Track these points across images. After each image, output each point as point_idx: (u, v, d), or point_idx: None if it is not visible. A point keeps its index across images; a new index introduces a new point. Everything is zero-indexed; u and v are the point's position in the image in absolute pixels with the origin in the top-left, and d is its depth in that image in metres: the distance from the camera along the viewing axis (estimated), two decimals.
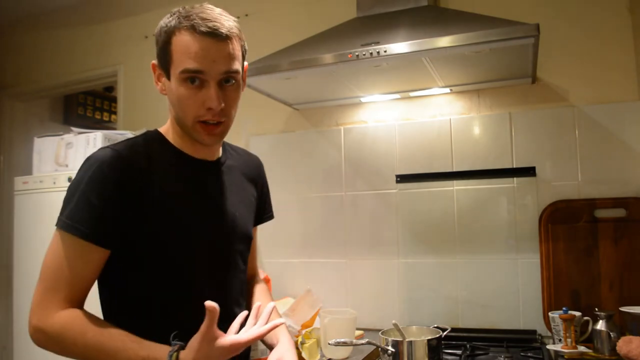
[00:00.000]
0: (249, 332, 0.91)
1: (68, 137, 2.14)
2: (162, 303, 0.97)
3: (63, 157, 2.13)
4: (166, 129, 1.05)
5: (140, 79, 2.65)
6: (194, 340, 0.86)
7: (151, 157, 0.98)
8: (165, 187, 0.97)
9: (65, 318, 0.88)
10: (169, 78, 0.97)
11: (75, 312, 0.90)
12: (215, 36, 0.92)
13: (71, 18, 2.85)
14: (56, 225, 0.92)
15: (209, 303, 0.83)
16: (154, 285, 0.97)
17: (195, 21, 0.91)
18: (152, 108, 2.58)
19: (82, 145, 2.09)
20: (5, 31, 3.05)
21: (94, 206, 0.90)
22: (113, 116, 3.83)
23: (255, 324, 0.94)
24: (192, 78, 0.93)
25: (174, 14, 0.95)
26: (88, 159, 0.96)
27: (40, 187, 2.10)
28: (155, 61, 0.99)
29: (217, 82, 0.94)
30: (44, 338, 0.89)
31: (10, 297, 2.16)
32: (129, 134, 2.22)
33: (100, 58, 2.76)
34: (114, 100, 3.71)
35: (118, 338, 0.88)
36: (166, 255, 0.97)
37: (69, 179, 2.04)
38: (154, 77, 1.00)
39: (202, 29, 0.91)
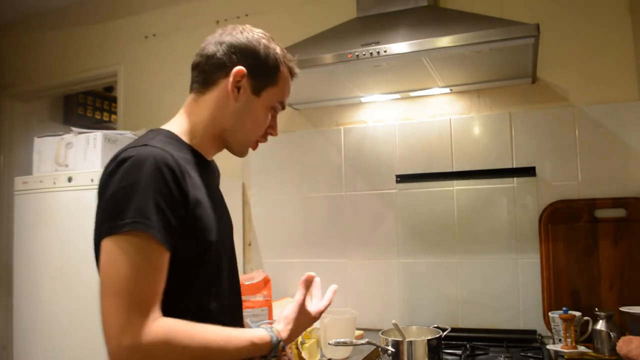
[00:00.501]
0: (323, 301, 1.05)
1: (68, 137, 2.14)
2: (197, 303, 0.94)
3: (63, 157, 2.13)
4: (180, 130, 1.02)
5: (140, 79, 2.65)
6: (290, 313, 0.98)
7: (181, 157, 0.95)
8: (197, 188, 0.94)
9: (165, 327, 0.81)
10: (257, 95, 1.00)
11: (168, 320, 0.82)
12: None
13: (71, 18, 2.85)
14: (119, 230, 0.80)
15: (309, 274, 1.00)
16: (189, 285, 0.93)
17: (292, 64, 1.05)
18: (152, 108, 2.58)
19: (82, 145, 2.09)
20: (6, 31, 3.05)
21: (159, 206, 0.83)
22: (113, 116, 3.83)
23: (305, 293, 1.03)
24: (277, 109, 1.05)
25: (267, 39, 1.02)
26: (136, 158, 0.84)
27: (40, 187, 2.10)
28: (243, 69, 0.98)
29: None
30: (145, 355, 0.79)
31: (10, 297, 2.16)
32: (129, 134, 2.22)
33: (100, 58, 2.76)
34: (114, 100, 3.71)
35: (219, 332, 0.87)
36: (202, 256, 0.94)
37: (69, 179, 2.04)
38: (232, 81, 0.98)
39: (295, 76, 1.07)
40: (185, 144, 1.00)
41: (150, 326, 0.78)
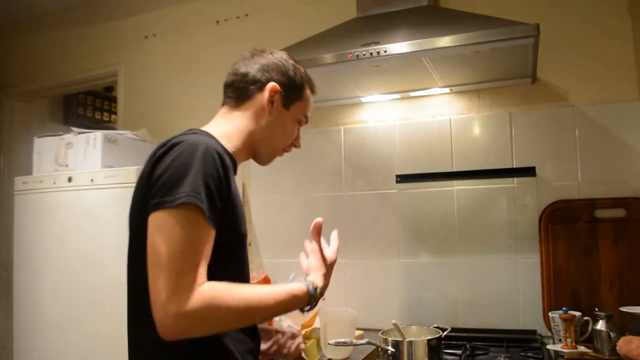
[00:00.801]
0: (332, 246, 1.15)
1: (68, 137, 2.14)
2: None
3: (63, 157, 2.13)
4: (218, 134, 1.06)
5: (140, 79, 2.65)
6: (314, 262, 1.08)
7: None
8: (233, 185, 1.01)
9: (208, 292, 0.83)
10: (287, 109, 1.13)
11: (210, 284, 0.85)
12: None
13: (71, 18, 2.85)
14: (172, 204, 0.84)
15: (318, 220, 1.11)
16: (220, 276, 0.93)
17: (312, 83, 1.19)
18: (152, 108, 2.58)
19: (82, 145, 2.09)
20: (6, 31, 3.05)
21: (209, 188, 0.88)
22: (113, 116, 3.83)
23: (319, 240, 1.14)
24: (302, 123, 1.18)
25: (293, 60, 1.15)
26: (189, 142, 0.91)
27: (40, 187, 2.10)
28: (277, 85, 1.10)
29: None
30: (191, 321, 0.82)
31: (10, 297, 2.16)
32: (129, 134, 2.22)
33: (100, 58, 2.76)
34: (114, 100, 3.71)
35: (259, 289, 0.94)
36: (233, 248, 1.01)
37: (69, 179, 2.04)
38: (268, 96, 1.09)
39: (314, 94, 1.21)
40: (221, 144, 1.04)
41: (193, 294, 0.81)
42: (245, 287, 0.92)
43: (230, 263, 1.00)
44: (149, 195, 0.89)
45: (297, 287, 0.99)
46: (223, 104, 1.14)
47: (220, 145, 0.99)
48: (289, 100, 1.13)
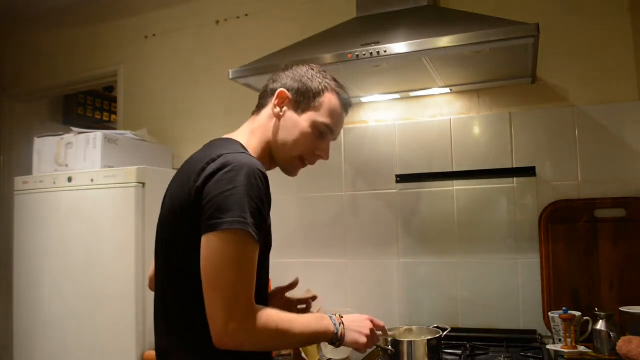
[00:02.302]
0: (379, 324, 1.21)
1: (68, 137, 2.14)
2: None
3: (63, 157, 2.13)
4: (246, 144, 1.10)
5: (140, 79, 2.65)
6: (356, 318, 1.13)
7: None
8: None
9: (262, 313, 0.94)
10: (299, 114, 1.12)
11: (261, 307, 0.96)
12: (348, 112, 1.19)
13: (71, 18, 2.85)
14: (229, 225, 0.91)
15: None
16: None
17: (345, 96, 1.16)
18: (152, 108, 2.58)
19: (82, 145, 2.09)
20: (6, 31, 3.05)
21: (259, 209, 0.96)
22: (113, 116, 3.83)
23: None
24: (323, 133, 1.13)
25: (318, 71, 1.15)
26: (238, 164, 0.96)
27: (40, 187, 2.10)
28: (285, 90, 1.11)
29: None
30: (248, 339, 0.92)
31: (10, 297, 2.16)
32: (129, 134, 2.22)
33: (100, 58, 2.76)
34: (114, 100, 3.70)
35: (298, 317, 1.02)
36: (263, 261, 1.08)
37: (69, 179, 2.04)
38: (276, 100, 1.11)
39: (349, 107, 1.18)
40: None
41: (251, 313, 0.92)
42: (289, 315, 1.00)
43: (260, 273, 1.03)
44: (198, 212, 0.94)
45: (327, 325, 1.06)
46: (252, 113, 1.19)
47: (259, 163, 1.03)
48: (301, 106, 1.12)
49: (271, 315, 0.96)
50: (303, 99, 1.12)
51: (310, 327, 1.03)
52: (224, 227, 0.91)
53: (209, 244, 0.92)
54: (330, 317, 1.07)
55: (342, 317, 1.10)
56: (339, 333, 1.06)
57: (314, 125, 1.12)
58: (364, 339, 1.09)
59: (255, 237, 0.93)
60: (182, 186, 1.00)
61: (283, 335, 0.97)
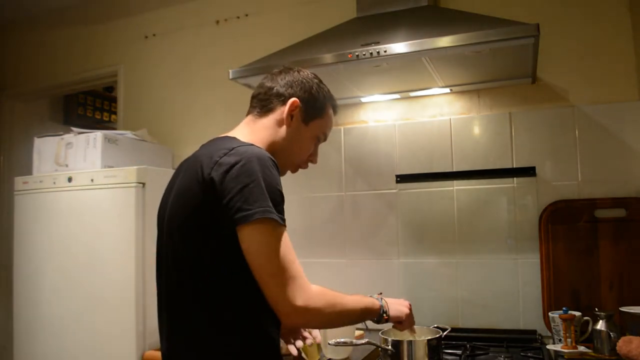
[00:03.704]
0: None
1: (68, 137, 2.14)
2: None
3: (63, 157, 2.13)
4: (248, 141, 1.10)
5: (140, 79, 2.65)
6: (400, 302, 1.25)
7: None
8: None
9: (319, 290, 1.01)
10: (306, 124, 1.18)
11: (315, 285, 1.02)
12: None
13: (71, 18, 2.85)
14: (259, 215, 0.95)
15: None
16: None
17: (335, 103, 1.24)
18: (152, 108, 2.58)
19: (82, 145, 2.09)
20: (6, 31, 3.05)
21: (281, 196, 1.01)
22: (113, 116, 3.83)
23: None
24: (320, 140, 1.23)
25: (318, 79, 1.20)
26: (254, 156, 0.99)
27: (40, 187, 2.10)
28: (297, 100, 1.15)
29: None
30: (313, 312, 0.99)
31: (10, 297, 2.16)
32: (129, 134, 2.22)
33: (100, 58, 2.76)
34: (114, 100, 3.70)
35: (345, 294, 1.09)
36: None
37: (69, 179, 2.04)
38: (288, 109, 1.14)
39: (336, 114, 1.26)
40: None
41: (311, 289, 0.99)
42: (340, 293, 1.08)
43: None
44: (216, 203, 0.96)
45: (373, 301, 1.17)
46: (248, 113, 1.20)
47: (267, 152, 1.05)
48: (308, 117, 1.17)
49: (324, 290, 1.03)
50: (311, 110, 1.18)
51: (361, 303, 1.13)
52: (256, 217, 0.94)
53: (247, 237, 0.95)
54: (371, 296, 1.17)
55: (380, 293, 1.21)
56: (385, 307, 1.17)
57: (315, 137, 1.20)
58: (407, 310, 1.24)
59: (281, 222, 0.98)
60: (192, 179, 1.00)
61: (340, 312, 1.05)
